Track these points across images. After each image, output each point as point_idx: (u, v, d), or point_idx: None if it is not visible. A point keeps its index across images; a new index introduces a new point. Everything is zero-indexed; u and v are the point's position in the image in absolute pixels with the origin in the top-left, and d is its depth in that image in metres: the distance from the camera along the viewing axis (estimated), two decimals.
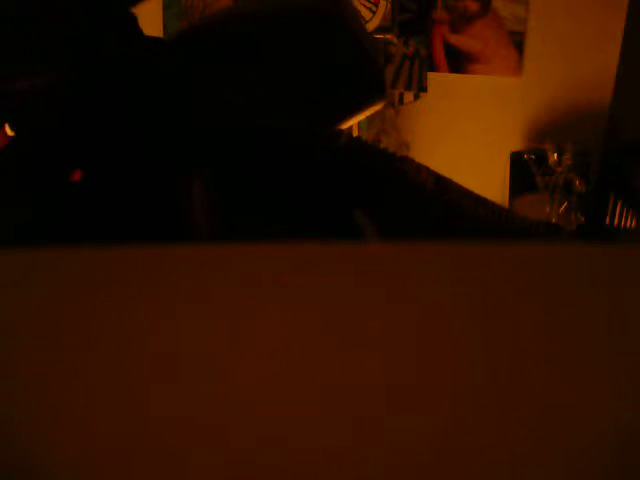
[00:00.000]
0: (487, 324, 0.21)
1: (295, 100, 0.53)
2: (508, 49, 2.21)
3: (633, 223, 1.86)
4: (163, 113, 0.47)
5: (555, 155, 2.06)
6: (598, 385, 0.20)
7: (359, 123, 1.85)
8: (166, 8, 2.27)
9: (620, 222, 1.93)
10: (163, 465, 0.19)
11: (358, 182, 0.46)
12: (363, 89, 0.58)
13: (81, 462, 0.19)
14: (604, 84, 2.19)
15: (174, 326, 0.21)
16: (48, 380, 0.20)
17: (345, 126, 0.58)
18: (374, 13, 2.20)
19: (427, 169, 0.49)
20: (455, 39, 2.23)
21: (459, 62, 2.24)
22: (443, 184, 0.48)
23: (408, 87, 2.26)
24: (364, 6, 2.20)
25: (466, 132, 2.29)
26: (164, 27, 2.27)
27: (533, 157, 2.11)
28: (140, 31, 0.52)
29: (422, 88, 2.26)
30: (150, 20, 2.19)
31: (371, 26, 2.20)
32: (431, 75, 2.26)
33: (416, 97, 2.27)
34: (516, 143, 2.25)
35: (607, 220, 1.99)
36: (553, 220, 2.06)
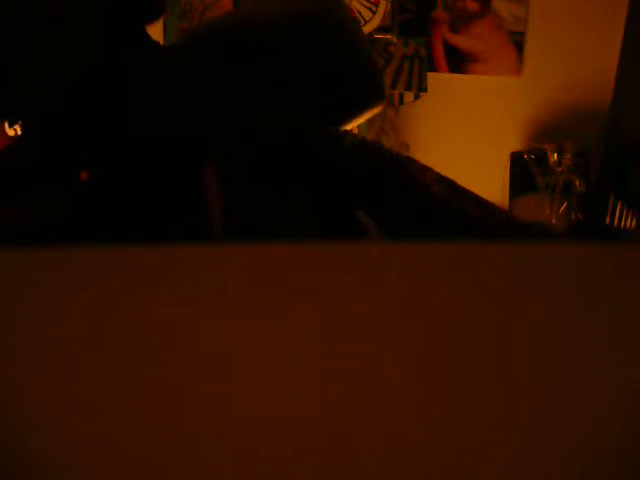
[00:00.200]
0: (487, 323, 0.21)
1: (295, 103, 0.54)
2: (508, 49, 2.21)
3: (633, 223, 1.86)
4: (175, 109, 0.48)
5: (555, 155, 2.06)
6: (598, 384, 0.20)
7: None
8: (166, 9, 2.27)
9: (620, 222, 1.93)
10: (163, 465, 0.19)
11: (363, 182, 0.46)
12: (362, 93, 0.58)
13: (81, 462, 0.19)
14: (604, 84, 2.19)
15: (178, 326, 0.21)
16: (49, 380, 0.20)
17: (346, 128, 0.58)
18: (374, 13, 2.20)
19: (432, 170, 0.49)
20: (455, 39, 2.23)
21: (459, 62, 2.24)
22: (448, 186, 0.48)
23: (408, 87, 2.26)
24: (364, 6, 2.20)
25: (466, 132, 2.29)
26: (164, 27, 2.27)
27: (533, 157, 2.11)
28: (153, 41, 0.54)
29: (422, 88, 2.26)
30: None
31: (371, 26, 2.21)
32: (431, 75, 2.26)
33: (416, 97, 2.27)
34: (516, 143, 2.25)
35: (607, 220, 1.99)
36: (553, 220, 2.06)
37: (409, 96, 2.27)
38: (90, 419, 0.19)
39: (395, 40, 2.23)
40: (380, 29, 2.21)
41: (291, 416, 0.19)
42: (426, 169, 0.49)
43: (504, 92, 2.26)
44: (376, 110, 0.60)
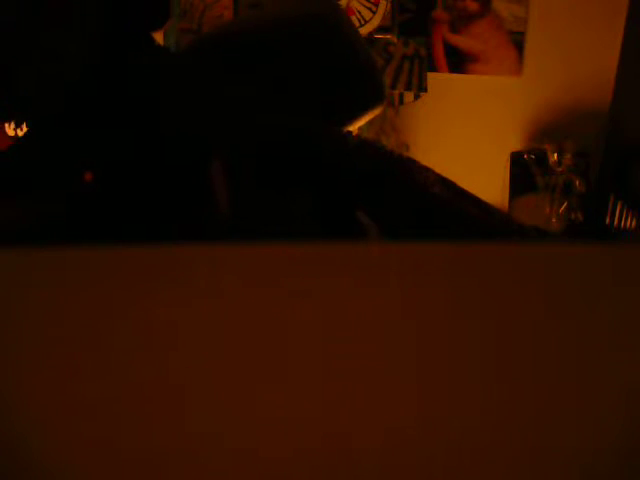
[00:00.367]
0: (487, 323, 0.21)
1: (297, 105, 0.54)
2: (508, 49, 2.21)
3: (633, 223, 1.86)
4: (179, 109, 0.48)
5: (555, 155, 2.06)
6: (598, 384, 0.20)
7: None
8: None
9: (620, 222, 1.93)
10: (163, 465, 0.19)
11: (364, 182, 0.47)
12: (362, 94, 0.59)
13: (81, 462, 0.19)
14: (604, 84, 2.18)
15: (178, 326, 0.21)
16: (49, 380, 0.20)
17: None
18: (374, 13, 2.20)
19: (433, 171, 0.49)
20: (455, 39, 2.23)
21: (459, 62, 2.24)
22: (448, 187, 0.48)
23: (408, 87, 2.26)
24: (364, 6, 2.20)
25: (466, 132, 2.29)
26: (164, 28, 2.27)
27: (533, 157, 2.10)
28: (158, 45, 0.54)
29: (422, 88, 2.26)
30: None
31: (371, 26, 2.20)
32: (431, 75, 2.26)
33: (416, 97, 2.27)
34: (516, 143, 2.25)
35: (607, 220, 1.99)
36: (553, 220, 2.06)
37: (409, 96, 2.27)
38: (89, 419, 0.19)
39: (395, 40, 2.23)
40: (380, 29, 2.21)
41: (291, 416, 0.19)
42: (427, 170, 0.50)
43: (504, 92, 2.26)
44: (377, 111, 0.60)
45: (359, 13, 2.20)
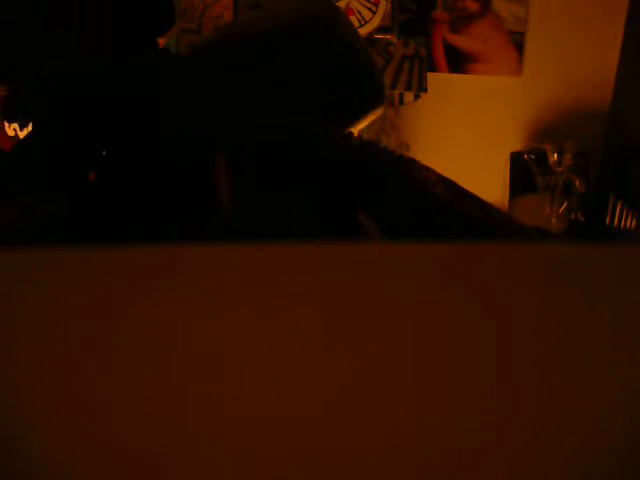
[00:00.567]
0: (487, 323, 0.21)
1: (298, 107, 0.54)
2: (508, 49, 2.21)
3: (633, 223, 1.86)
4: (184, 109, 0.49)
5: (555, 155, 2.06)
6: (598, 384, 0.20)
7: None
8: None
9: (620, 222, 1.93)
10: (163, 464, 0.19)
11: (365, 183, 0.47)
12: (362, 95, 0.59)
13: (81, 462, 0.19)
14: (604, 84, 2.18)
15: (179, 326, 0.21)
16: (49, 380, 0.20)
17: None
18: (374, 13, 2.20)
19: (434, 171, 0.50)
20: (455, 39, 2.23)
21: (459, 62, 2.24)
22: (449, 187, 0.48)
23: (408, 87, 2.26)
24: (364, 6, 2.19)
25: (466, 132, 2.29)
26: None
27: (533, 157, 2.10)
28: (163, 49, 0.55)
29: (422, 88, 2.26)
30: None
31: (371, 26, 2.20)
32: (431, 75, 2.26)
33: (416, 97, 2.27)
34: (516, 143, 2.25)
35: (607, 220, 1.99)
36: (553, 220, 2.06)
37: (409, 96, 2.27)
38: (89, 419, 0.19)
39: (395, 40, 2.23)
40: (380, 29, 2.21)
41: (291, 416, 0.19)
42: (427, 170, 0.50)
43: (504, 92, 2.25)
44: (378, 112, 0.60)
45: (359, 13, 2.20)
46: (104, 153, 0.47)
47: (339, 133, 0.52)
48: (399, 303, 0.21)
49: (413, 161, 0.50)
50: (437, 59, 2.25)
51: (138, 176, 0.46)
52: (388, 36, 2.22)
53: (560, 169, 2.06)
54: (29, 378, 0.20)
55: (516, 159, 2.15)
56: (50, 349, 0.20)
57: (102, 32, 0.48)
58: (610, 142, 2.19)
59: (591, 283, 0.22)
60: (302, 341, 0.21)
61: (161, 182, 0.45)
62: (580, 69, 2.18)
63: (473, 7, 2.19)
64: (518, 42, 2.20)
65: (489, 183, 2.16)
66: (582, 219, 2.06)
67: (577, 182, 2.05)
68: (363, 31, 2.18)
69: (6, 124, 0.51)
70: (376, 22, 2.21)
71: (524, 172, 2.12)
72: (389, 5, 2.19)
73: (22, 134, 0.50)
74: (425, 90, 2.26)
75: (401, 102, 2.27)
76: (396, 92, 2.25)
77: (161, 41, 0.55)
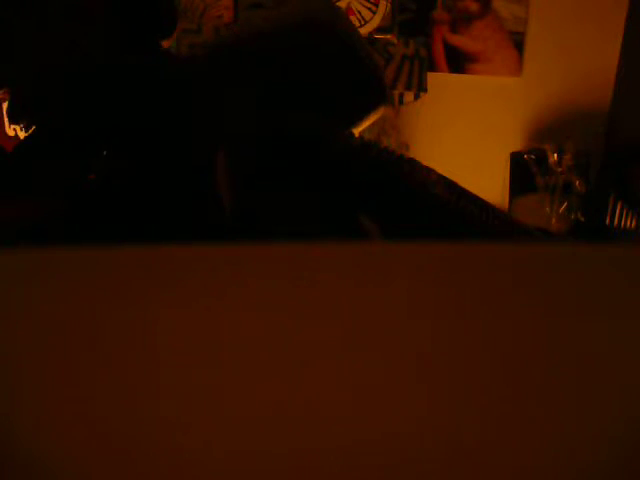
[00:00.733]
0: (487, 324, 0.21)
1: (301, 108, 0.54)
2: (508, 49, 2.21)
3: (633, 223, 1.86)
4: (187, 109, 0.49)
5: (555, 155, 2.06)
6: (598, 384, 0.20)
7: None
8: None
9: (620, 222, 1.93)
10: (164, 465, 0.19)
11: (367, 184, 0.47)
12: (365, 96, 0.59)
13: (81, 462, 0.19)
14: (604, 84, 2.18)
15: (179, 326, 0.21)
16: (49, 380, 0.20)
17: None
18: (374, 13, 2.20)
19: (435, 172, 0.50)
20: (455, 39, 2.23)
21: (459, 62, 2.24)
22: (451, 188, 0.49)
23: (408, 87, 2.26)
24: (364, 6, 2.20)
25: (466, 132, 2.29)
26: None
27: (533, 157, 2.11)
28: (166, 50, 0.55)
29: (422, 88, 2.26)
30: None
31: (371, 26, 2.20)
32: (431, 75, 2.26)
33: (416, 97, 2.27)
34: (516, 143, 2.25)
35: (607, 220, 1.99)
36: (553, 220, 2.06)
37: (409, 96, 2.27)
38: (89, 419, 0.19)
39: (395, 40, 2.23)
40: (380, 29, 2.21)
41: (290, 416, 0.19)
42: (429, 171, 0.50)
43: (504, 92, 2.26)
44: (380, 112, 0.60)
45: (359, 13, 2.20)
46: (105, 153, 0.47)
47: (340, 134, 0.52)
48: (399, 303, 0.21)
49: (414, 162, 0.50)
50: (437, 59, 2.25)
51: (138, 176, 0.46)
52: (388, 36, 2.22)
53: (560, 169, 2.06)
54: (29, 378, 0.20)
55: (516, 159, 2.16)
56: (50, 349, 0.20)
57: (105, 34, 0.49)
58: (610, 142, 2.19)
59: (591, 283, 0.22)
60: (303, 341, 0.21)
61: (162, 182, 0.45)
62: (580, 69, 2.18)
63: (473, 7, 2.19)
64: (518, 42, 2.20)
65: (489, 183, 2.17)
66: (582, 219, 2.06)
67: (577, 182, 2.05)
68: (363, 31, 2.18)
69: (6, 124, 0.51)
70: (376, 22, 2.21)
71: (524, 172, 2.12)
72: (389, 5, 2.19)
73: (22, 134, 0.50)
74: (425, 90, 2.27)
75: (401, 102, 2.27)
76: (396, 92, 2.25)
77: (165, 44, 0.56)
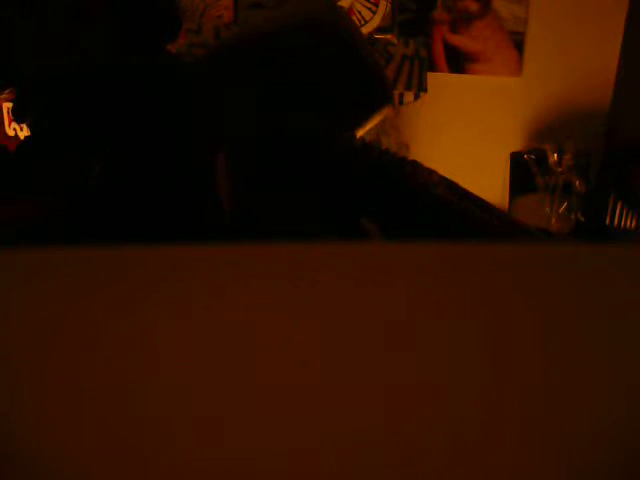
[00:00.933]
0: (487, 323, 0.21)
1: (304, 109, 0.54)
2: (508, 49, 2.21)
3: (633, 223, 1.86)
4: (189, 108, 0.49)
5: (555, 155, 2.06)
6: (598, 384, 0.20)
7: None
8: None
9: (620, 222, 1.93)
10: (164, 465, 0.19)
11: (369, 184, 0.47)
12: (369, 97, 0.59)
13: (81, 462, 0.19)
14: (604, 84, 2.18)
15: (179, 326, 0.21)
16: (49, 380, 0.20)
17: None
18: (374, 13, 2.20)
19: (437, 173, 0.50)
20: (455, 39, 2.23)
21: (459, 62, 2.24)
22: (452, 188, 0.49)
23: (408, 87, 2.26)
24: (364, 6, 2.20)
25: (466, 132, 2.29)
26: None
27: (533, 157, 2.11)
28: (170, 52, 0.56)
29: (422, 88, 2.26)
30: None
31: (371, 26, 2.20)
32: (431, 75, 2.26)
33: (416, 97, 2.27)
34: (516, 143, 2.25)
35: (607, 220, 1.99)
36: (553, 220, 2.06)
37: (409, 96, 2.27)
38: (89, 419, 0.19)
39: (395, 40, 2.23)
40: (380, 29, 2.21)
41: (290, 416, 0.19)
42: (430, 172, 0.50)
43: (504, 92, 2.26)
44: (383, 113, 0.60)
45: (359, 13, 2.20)
46: (105, 153, 0.47)
47: (342, 135, 0.52)
48: (400, 303, 0.21)
49: (416, 163, 0.50)
50: (437, 59, 2.25)
51: (139, 176, 0.46)
52: (388, 36, 2.22)
53: (560, 169, 2.06)
54: (29, 378, 0.20)
55: (516, 159, 2.16)
56: (50, 349, 0.20)
57: (105, 34, 0.49)
58: (610, 142, 2.19)
59: (591, 283, 0.22)
60: (303, 341, 0.21)
61: (161, 182, 0.45)
62: (580, 69, 2.18)
63: (473, 7, 2.19)
64: (518, 42, 2.20)
65: (489, 183, 2.17)
66: (582, 219, 2.06)
67: (577, 182, 2.05)
68: (363, 31, 2.18)
69: (6, 124, 0.51)
70: (376, 22, 2.21)
71: (524, 172, 2.12)
72: (389, 5, 2.19)
73: (22, 134, 0.50)
74: (425, 90, 2.26)
75: (401, 102, 2.27)
76: (396, 92, 2.25)
77: (172, 48, 0.56)
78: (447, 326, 0.21)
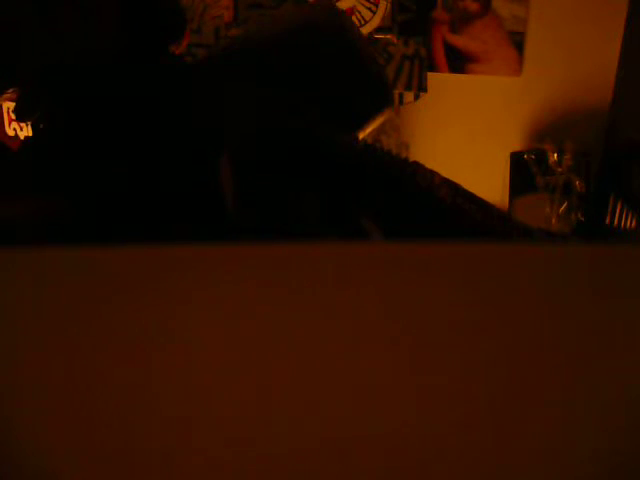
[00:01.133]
0: (487, 323, 0.21)
1: (306, 111, 0.54)
2: (508, 49, 2.21)
3: (633, 223, 1.86)
4: (191, 108, 0.49)
5: (555, 155, 2.06)
6: (598, 384, 0.20)
7: None
8: None
9: (620, 222, 1.93)
10: (164, 464, 0.19)
11: (370, 185, 0.47)
12: (370, 99, 0.59)
13: (81, 462, 0.19)
14: (604, 84, 2.18)
15: (179, 326, 0.21)
16: (49, 379, 0.20)
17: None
18: (374, 13, 2.20)
19: (438, 174, 0.50)
20: (455, 39, 2.23)
21: (459, 62, 2.24)
22: (455, 190, 0.49)
23: (408, 87, 2.26)
24: (364, 6, 2.20)
25: (466, 132, 2.29)
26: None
27: (533, 157, 2.11)
28: (175, 54, 0.56)
29: (422, 88, 2.26)
30: None
31: (371, 26, 2.20)
32: (431, 75, 2.26)
33: (416, 97, 2.27)
34: (516, 143, 2.25)
35: (607, 220, 1.99)
36: (553, 220, 2.06)
37: (409, 96, 2.27)
38: (88, 419, 0.19)
39: (395, 40, 2.23)
40: (380, 29, 2.21)
41: (290, 416, 0.19)
42: (432, 173, 0.50)
43: (504, 92, 2.26)
44: (385, 115, 0.60)
45: (359, 13, 2.20)
46: (109, 152, 0.47)
47: (343, 136, 0.52)
48: (400, 302, 0.21)
49: (417, 164, 0.50)
50: (437, 59, 2.25)
51: (141, 176, 0.46)
52: (388, 36, 2.22)
53: (560, 169, 2.06)
54: (28, 378, 0.20)
55: (516, 159, 2.16)
56: (49, 349, 0.20)
57: (113, 35, 0.49)
58: (610, 142, 2.19)
59: (591, 283, 0.22)
60: (304, 340, 0.21)
61: (164, 182, 0.46)
62: (580, 69, 2.18)
63: (473, 7, 2.19)
64: (518, 42, 2.20)
65: (489, 183, 2.17)
66: (582, 219, 2.06)
67: (577, 182, 2.05)
68: (363, 31, 2.18)
69: (6, 124, 0.52)
70: (376, 22, 2.21)
71: (524, 172, 2.12)
72: (389, 5, 2.19)
73: (22, 134, 0.51)
74: (425, 90, 2.26)
75: (401, 102, 2.27)
76: (396, 92, 2.25)
77: (177, 50, 0.56)
78: (447, 325, 0.21)
